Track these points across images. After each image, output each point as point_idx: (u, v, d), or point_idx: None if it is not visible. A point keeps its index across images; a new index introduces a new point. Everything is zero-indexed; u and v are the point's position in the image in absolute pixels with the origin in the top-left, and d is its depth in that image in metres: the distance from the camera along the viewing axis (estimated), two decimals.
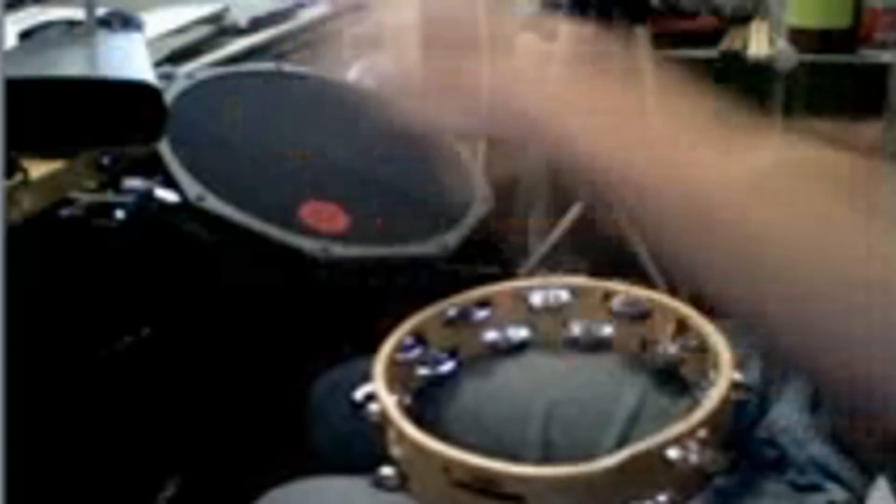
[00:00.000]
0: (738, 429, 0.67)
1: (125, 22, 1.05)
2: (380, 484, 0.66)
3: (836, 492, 0.68)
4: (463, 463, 0.60)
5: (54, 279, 1.00)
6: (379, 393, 0.67)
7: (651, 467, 0.59)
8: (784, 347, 0.51)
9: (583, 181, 0.60)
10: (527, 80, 0.64)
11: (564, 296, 0.80)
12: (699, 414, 0.60)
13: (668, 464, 0.59)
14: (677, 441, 0.59)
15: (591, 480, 0.58)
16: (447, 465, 0.61)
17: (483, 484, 0.59)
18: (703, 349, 0.71)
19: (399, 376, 0.72)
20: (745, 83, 1.88)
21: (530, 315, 0.80)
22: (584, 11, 1.80)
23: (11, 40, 1.01)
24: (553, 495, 0.59)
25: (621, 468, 0.58)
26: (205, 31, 1.34)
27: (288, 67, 1.25)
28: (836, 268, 0.45)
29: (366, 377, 0.69)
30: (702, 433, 0.60)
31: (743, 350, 0.71)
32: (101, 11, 1.04)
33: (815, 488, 0.68)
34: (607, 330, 0.79)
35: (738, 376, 0.65)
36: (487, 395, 0.80)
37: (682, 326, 0.74)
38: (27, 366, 0.79)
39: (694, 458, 0.59)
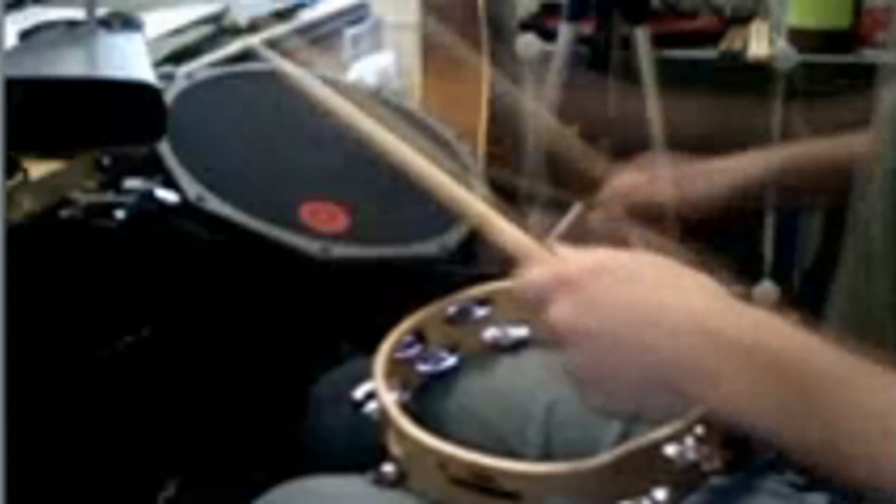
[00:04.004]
0: (740, 427, 0.67)
1: (125, 22, 1.05)
2: (380, 481, 0.66)
3: (837, 492, 0.68)
4: (460, 459, 0.60)
5: (54, 279, 1.00)
6: (378, 391, 0.67)
7: (648, 464, 0.59)
8: None
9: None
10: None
11: None
12: (696, 411, 0.60)
13: (665, 460, 0.59)
14: (674, 438, 0.59)
15: (588, 477, 0.59)
16: (445, 462, 0.61)
17: (480, 481, 0.59)
18: None
19: (399, 374, 0.72)
20: (745, 83, 1.88)
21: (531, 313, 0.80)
22: (584, 11, 1.80)
23: (11, 40, 1.01)
24: (550, 492, 0.59)
25: (618, 465, 0.58)
26: (205, 31, 1.34)
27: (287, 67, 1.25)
28: None
29: (366, 376, 0.69)
30: (699, 430, 0.60)
31: None
32: (101, 12, 1.04)
33: (816, 488, 0.68)
34: None
35: None
36: (488, 393, 0.80)
37: None
38: (27, 366, 0.79)
39: (691, 454, 0.59)
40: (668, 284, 0.60)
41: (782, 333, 0.57)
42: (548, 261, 0.63)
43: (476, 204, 0.71)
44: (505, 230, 0.68)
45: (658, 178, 0.91)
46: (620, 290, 0.59)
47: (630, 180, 0.92)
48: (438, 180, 0.73)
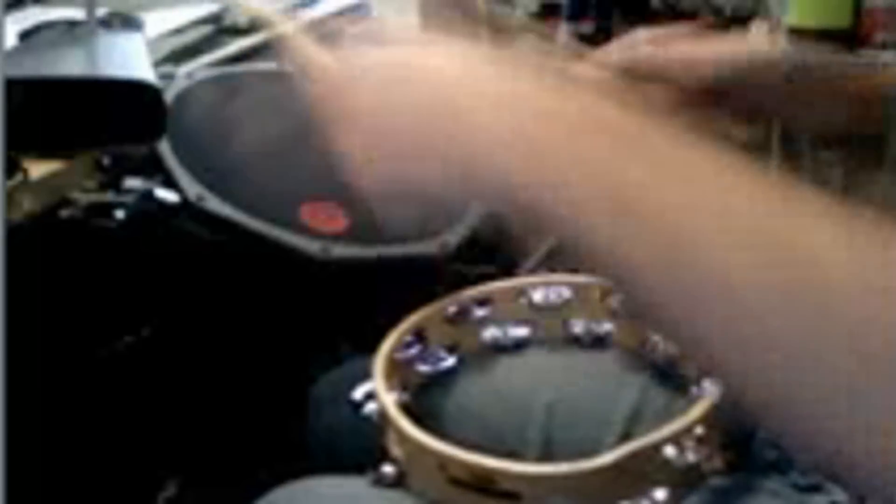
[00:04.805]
0: (741, 429, 0.67)
1: (125, 22, 1.05)
2: (379, 482, 0.66)
3: (838, 493, 0.68)
4: (459, 460, 0.60)
5: (54, 279, 1.00)
6: (378, 391, 0.67)
7: (647, 464, 0.59)
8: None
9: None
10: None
11: (564, 293, 0.80)
12: (695, 411, 0.60)
13: (665, 461, 0.59)
14: (674, 438, 0.59)
15: (588, 478, 0.59)
16: (444, 463, 0.61)
17: (480, 481, 0.59)
18: None
19: (399, 374, 0.72)
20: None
21: (530, 313, 0.80)
22: (584, 11, 1.80)
23: (11, 40, 1.01)
24: (550, 492, 0.59)
25: (617, 465, 0.58)
26: (204, 31, 1.34)
27: (288, 67, 1.25)
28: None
29: (366, 376, 0.69)
30: (698, 431, 0.60)
31: None
32: (101, 12, 1.04)
33: (817, 489, 0.68)
34: (607, 327, 0.79)
35: None
36: (488, 393, 0.80)
37: None
38: (27, 366, 0.79)
39: (690, 455, 0.59)
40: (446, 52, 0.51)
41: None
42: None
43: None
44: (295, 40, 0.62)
45: (665, 37, 0.83)
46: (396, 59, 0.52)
47: (633, 38, 0.83)
48: None
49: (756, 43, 0.80)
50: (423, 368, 0.78)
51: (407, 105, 0.49)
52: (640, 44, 0.83)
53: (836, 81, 0.78)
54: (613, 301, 0.78)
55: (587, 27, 1.82)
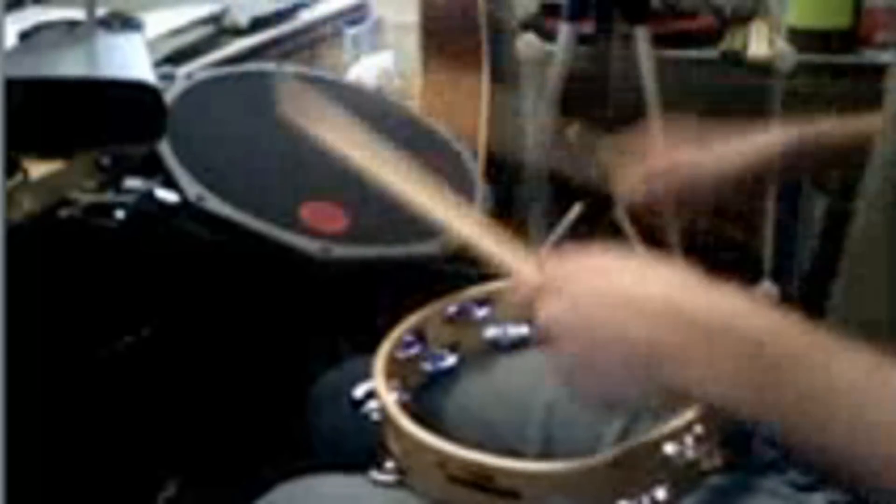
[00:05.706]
0: (741, 428, 0.67)
1: (125, 22, 1.05)
2: (380, 480, 0.66)
3: (837, 492, 0.68)
4: (458, 458, 0.60)
5: (54, 279, 1.01)
6: (378, 390, 0.67)
7: (647, 462, 0.59)
8: None
9: None
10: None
11: None
12: (695, 410, 0.61)
13: (664, 459, 0.59)
14: (673, 436, 0.59)
15: (587, 475, 0.59)
16: (443, 461, 0.61)
17: (479, 479, 0.59)
18: None
19: (399, 373, 0.72)
20: (745, 83, 1.88)
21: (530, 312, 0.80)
22: (584, 11, 1.80)
23: (11, 40, 1.01)
24: (549, 490, 0.59)
25: (617, 463, 0.58)
26: (205, 31, 1.34)
27: (288, 68, 1.25)
28: None
29: (366, 375, 0.70)
30: (697, 429, 0.60)
31: None
32: (101, 12, 1.05)
33: (815, 488, 0.68)
34: None
35: None
36: (488, 392, 0.81)
37: None
38: (27, 366, 0.79)
39: (690, 453, 0.59)
40: (634, 273, 0.61)
41: (752, 313, 0.56)
42: (530, 270, 0.66)
43: (464, 225, 0.74)
44: (491, 249, 0.70)
45: (698, 154, 0.90)
46: (594, 284, 0.61)
47: (667, 158, 0.91)
48: (430, 204, 0.75)
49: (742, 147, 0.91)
50: (424, 367, 0.78)
51: (623, 334, 0.57)
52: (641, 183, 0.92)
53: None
54: None
55: (587, 27, 1.82)
